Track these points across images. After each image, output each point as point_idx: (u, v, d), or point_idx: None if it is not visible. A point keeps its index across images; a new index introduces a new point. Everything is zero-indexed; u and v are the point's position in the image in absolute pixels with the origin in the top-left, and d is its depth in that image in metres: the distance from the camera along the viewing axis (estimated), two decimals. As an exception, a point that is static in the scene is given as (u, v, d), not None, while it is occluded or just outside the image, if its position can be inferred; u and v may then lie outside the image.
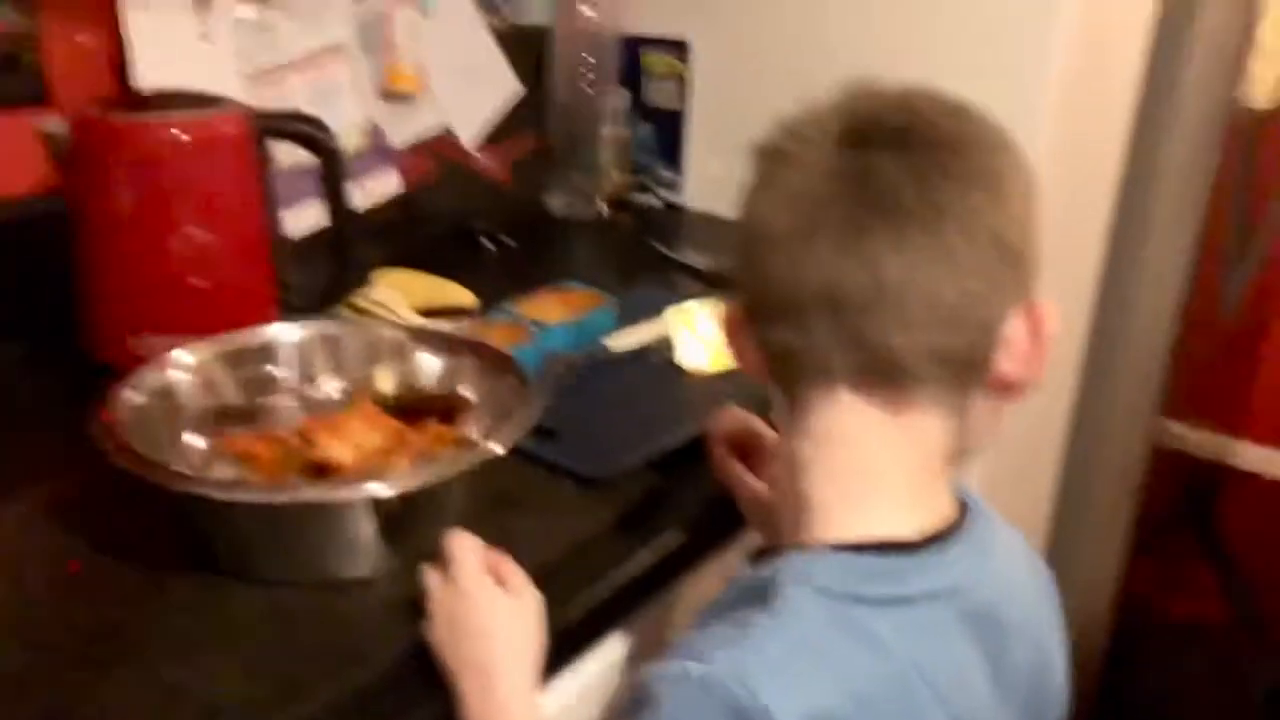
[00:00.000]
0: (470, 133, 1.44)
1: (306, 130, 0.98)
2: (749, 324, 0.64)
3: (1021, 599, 0.64)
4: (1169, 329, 1.62)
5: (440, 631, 0.68)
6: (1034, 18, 1.26)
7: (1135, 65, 1.47)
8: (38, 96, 1.04)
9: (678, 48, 1.52)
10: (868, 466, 0.61)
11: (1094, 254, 1.55)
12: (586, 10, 1.46)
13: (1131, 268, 1.57)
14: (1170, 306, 1.61)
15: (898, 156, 0.57)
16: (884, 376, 0.59)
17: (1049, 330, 0.61)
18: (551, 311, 1.11)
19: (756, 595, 0.59)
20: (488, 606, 0.68)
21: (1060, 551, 1.68)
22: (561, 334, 1.08)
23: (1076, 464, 1.67)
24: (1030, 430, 1.51)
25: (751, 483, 0.84)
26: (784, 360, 0.62)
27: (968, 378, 0.60)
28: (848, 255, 0.57)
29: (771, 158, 0.61)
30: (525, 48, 1.48)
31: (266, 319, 0.98)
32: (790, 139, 0.61)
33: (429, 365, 0.88)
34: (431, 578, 0.71)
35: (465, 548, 0.71)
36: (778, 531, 0.80)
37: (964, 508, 0.64)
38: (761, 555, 0.66)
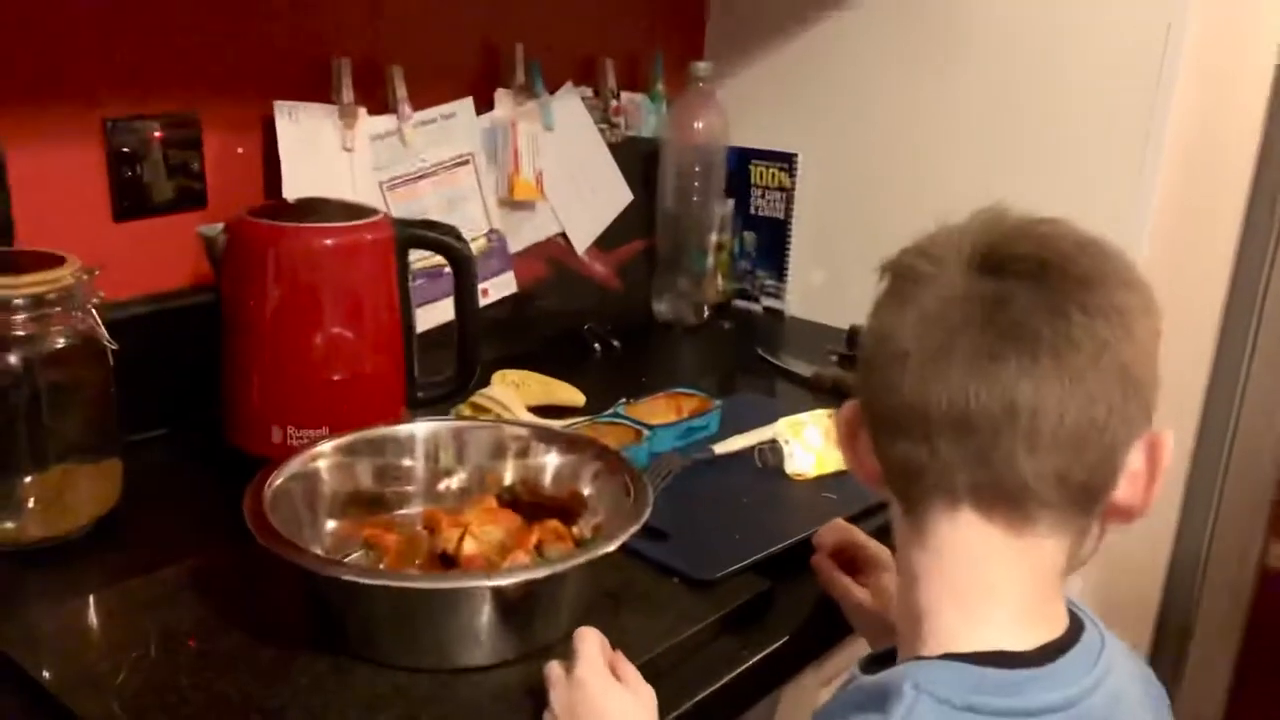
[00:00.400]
0: (583, 239, 1.51)
1: (444, 239, 1.05)
2: (869, 434, 0.66)
3: (1129, 710, 0.65)
4: (1276, 449, 1.60)
5: None
6: (1138, 142, 1.28)
7: (1242, 184, 1.48)
8: (199, 202, 1.14)
9: (785, 160, 1.58)
10: (986, 583, 0.62)
11: (1199, 373, 1.55)
12: (697, 124, 1.53)
13: (1236, 387, 1.56)
14: (1278, 426, 1.59)
15: (1034, 288, 0.59)
16: (1007, 498, 0.60)
17: (1165, 461, 0.62)
18: (660, 414, 1.15)
19: (874, 700, 0.60)
20: (604, 697, 0.71)
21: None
22: (669, 436, 1.12)
23: (1180, 591, 1.64)
24: (1133, 555, 1.49)
25: (857, 593, 0.87)
26: (904, 473, 0.64)
27: (1088, 504, 0.61)
28: (980, 379, 0.58)
29: (904, 276, 0.63)
30: (637, 158, 1.55)
31: (396, 412, 1.04)
32: (924, 259, 0.63)
33: (549, 462, 0.93)
34: (553, 668, 0.74)
35: (589, 641, 0.74)
36: (885, 639, 0.82)
37: (1073, 618, 0.65)
38: (874, 661, 0.68)
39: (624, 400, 1.17)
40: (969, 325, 0.59)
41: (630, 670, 0.74)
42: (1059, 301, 0.59)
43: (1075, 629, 0.64)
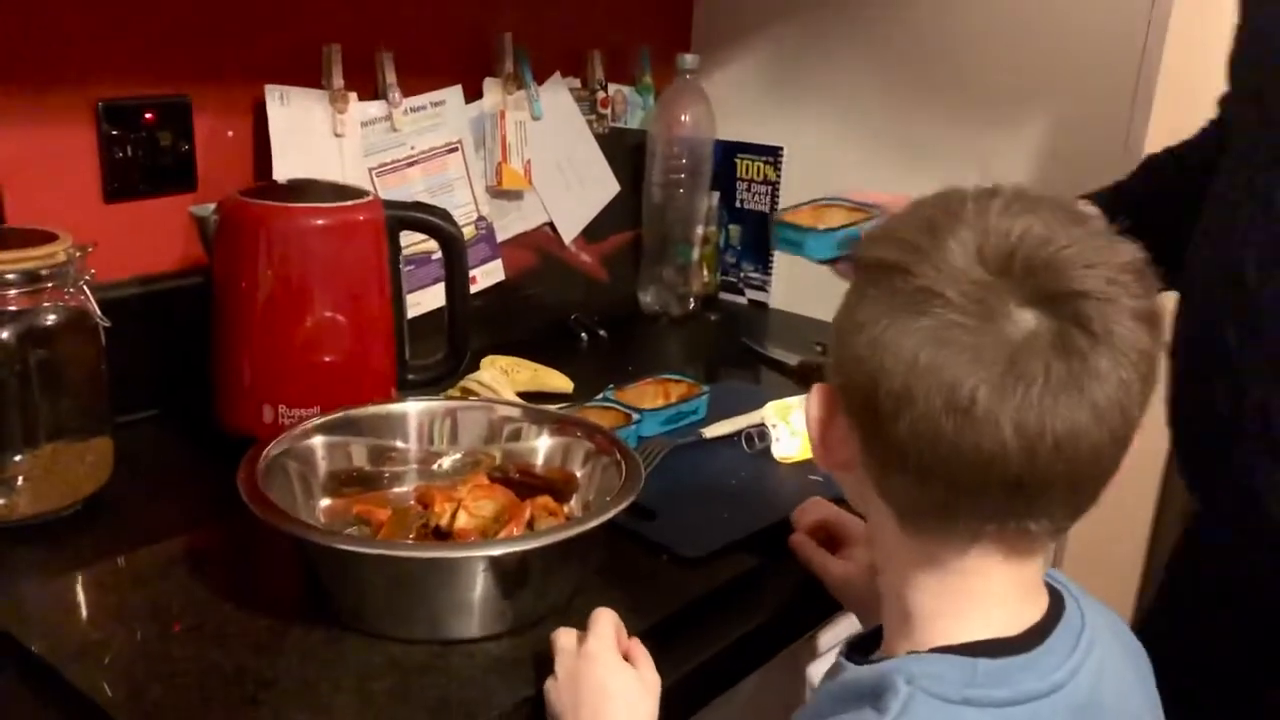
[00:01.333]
0: (570, 229, 1.52)
1: (434, 221, 1.06)
2: (867, 459, 0.62)
3: (1117, 678, 0.65)
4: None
5: (563, 690, 0.72)
6: (1121, 132, 1.30)
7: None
8: (190, 185, 1.15)
9: (771, 153, 1.60)
10: (983, 590, 0.62)
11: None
12: (684, 116, 1.54)
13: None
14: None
15: (1093, 339, 0.56)
16: (1028, 539, 0.61)
17: None
18: (648, 399, 1.17)
19: (867, 696, 0.59)
20: (609, 673, 0.72)
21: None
22: (657, 420, 1.13)
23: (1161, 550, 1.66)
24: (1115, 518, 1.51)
25: (837, 568, 0.88)
26: (917, 508, 0.61)
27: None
28: (1047, 435, 0.55)
29: (915, 295, 0.57)
30: (624, 149, 1.57)
31: (387, 393, 1.05)
32: (953, 280, 0.57)
33: (541, 442, 0.94)
34: (562, 635, 0.75)
35: (605, 619, 0.75)
36: (870, 611, 0.83)
37: (1052, 594, 0.65)
38: (858, 647, 0.68)
39: (612, 386, 1.18)
40: (1041, 377, 0.55)
41: (643, 655, 0.75)
42: (1117, 352, 0.56)
43: (1055, 606, 0.64)
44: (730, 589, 0.89)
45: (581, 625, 0.76)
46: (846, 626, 0.97)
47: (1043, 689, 0.60)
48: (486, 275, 1.42)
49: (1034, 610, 0.64)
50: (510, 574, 0.78)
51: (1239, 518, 0.83)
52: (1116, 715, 0.64)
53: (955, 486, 0.58)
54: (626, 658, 0.75)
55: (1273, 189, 0.79)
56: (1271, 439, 0.78)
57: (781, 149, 1.59)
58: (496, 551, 0.78)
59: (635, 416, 1.11)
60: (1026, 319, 0.56)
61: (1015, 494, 0.58)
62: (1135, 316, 0.57)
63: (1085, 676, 0.62)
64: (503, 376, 1.21)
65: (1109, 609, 0.69)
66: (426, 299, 1.30)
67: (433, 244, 1.22)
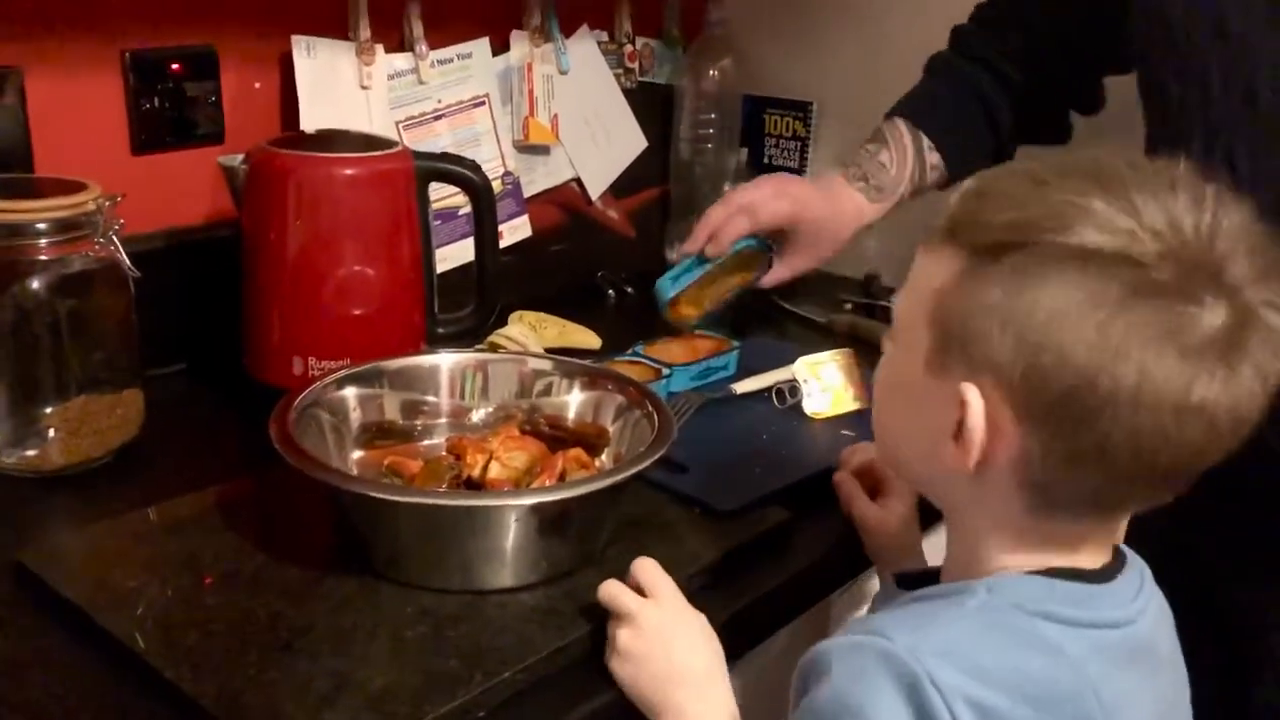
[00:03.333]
0: (597, 185, 1.51)
1: (463, 172, 1.05)
2: (1041, 458, 0.58)
3: (1167, 633, 0.66)
4: None
5: (646, 636, 0.71)
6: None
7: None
8: (217, 137, 1.14)
9: (800, 109, 1.58)
10: (1068, 546, 0.62)
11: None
12: (712, 71, 1.52)
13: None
14: None
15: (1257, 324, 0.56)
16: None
17: None
18: (678, 355, 1.16)
19: (946, 596, 0.61)
20: (691, 615, 0.73)
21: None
22: (688, 376, 1.12)
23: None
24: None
25: (874, 514, 0.87)
26: (1069, 496, 0.59)
27: None
28: (1240, 425, 0.57)
29: (1123, 281, 0.54)
30: (652, 105, 1.55)
31: (416, 346, 1.04)
32: (1156, 262, 0.54)
33: (573, 395, 0.93)
34: (618, 591, 0.74)
35: (655, 568, 0.75)
36: (894, 561, 0.83)
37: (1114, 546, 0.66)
38: (906, 581, 0.69)
39: (641, 342, 1.17)
40: (1250, 368, 0.55)
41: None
42: (1276, 334, 0.56)
43: (1118, 553, 0.65)
44: (763, 542, 0.89)
45: (615, 577, 0.76)
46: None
47: (1115, 618, 0.60)
48: (513, 232, 1.40)
49: (1103, 555, 0.64)
50: (543, 524, 0.78)
51: None
52: (1170, 671, 0.65)
53: (1145, 481, 0.58)
54: None
55: None
56: None
57: (811, 104, 1.57)
58: (530, 501, 0.77)
59: (665, 371, 1.10)
60: (1221, 309, 0.54)
61: (1185, 478, 0.58)
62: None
63: (1147, 621, 0.62)
64: (530, 332, 1.20)
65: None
66: (452, 255, 1.29)
67: (458, 199, 1.22)
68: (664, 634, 0.71)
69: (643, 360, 1.12)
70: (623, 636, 0.72)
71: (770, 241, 1.21)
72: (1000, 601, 0.59)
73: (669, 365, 1.11)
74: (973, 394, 0.58)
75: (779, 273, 1.23)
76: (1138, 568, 0.65)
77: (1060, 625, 0.58)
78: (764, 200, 1.18)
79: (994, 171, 0.62)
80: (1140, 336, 0.53)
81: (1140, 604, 0.63)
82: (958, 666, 0.55)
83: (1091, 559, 0.63)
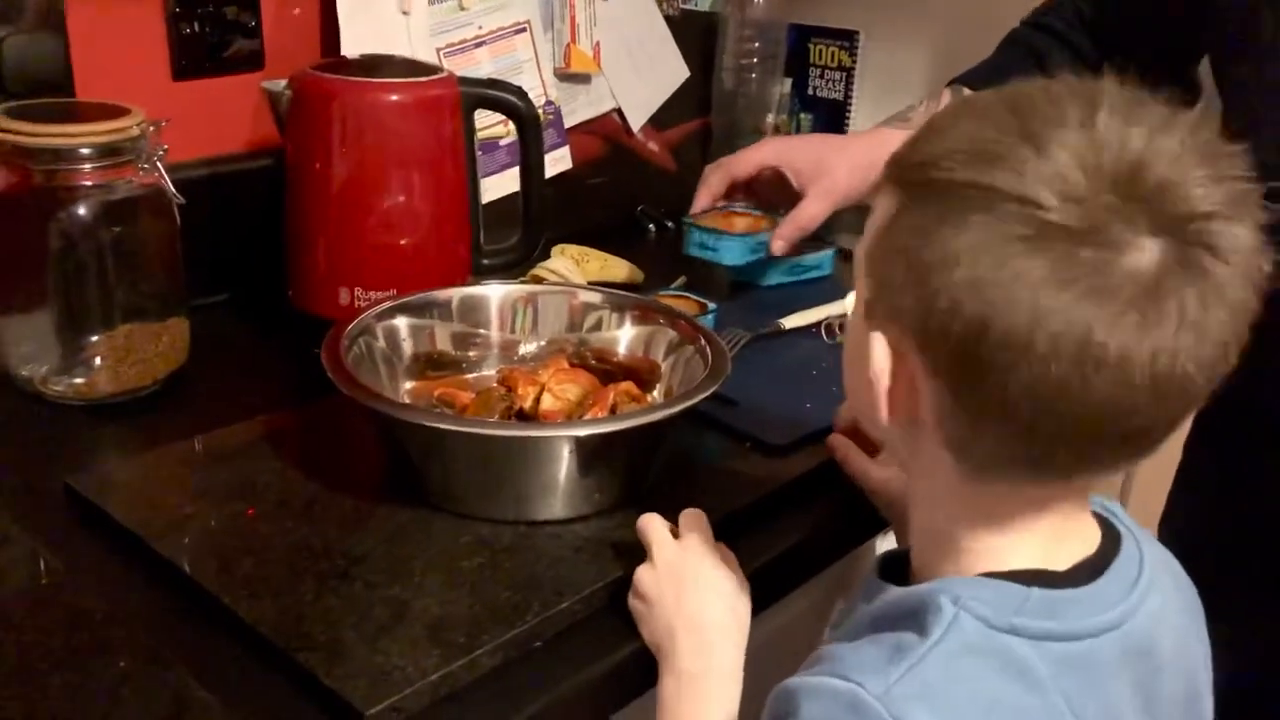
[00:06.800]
0: (639, 116, 1.48)
1: (509, 99, 1.03)
2: (952, 413, 0.55)
3: (1172, 627, 0.61)
4: None
5: (662, 579, 0.70)
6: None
7: None
8: (257, 63, 1.12)
9: (846, 38, 1.54)
10: (1033, 525, 0.58)
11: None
12: None
13: None
14: None
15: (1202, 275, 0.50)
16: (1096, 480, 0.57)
17: None
18: (725, 226, 1.17)
19: (908, 617, 0.56)
20: (714, 567, 0.70)
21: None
22: (739, 249, 1.16)
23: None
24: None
25: (876, 473, 0.83)
26: (992, 457, 0.55)
27: None
28: (1168, 379, 0.51)
29: (1025, 224, 0.50)
30: (695, 34, 1.51)
31: (463, 277, 1.03)
32: (1057, 203, 0.49)
33: (623, 332, 0.92)
34: (657, 527, 0.72)
35: (699, 518, 0.73)
36: (904, 522, 0.81)
37: (1108, 529, 0.61)
38: (891, 563, 0.65)
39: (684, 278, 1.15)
40: (1176, 317, 0.50)
41: (732, 559, 0.73)
42: (1239, 274, 0.51)
43: (1111, 542, 0.60)
44: (814, 477, 0.88)
45: (666, 511, 0.75)
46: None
47: (1095, 626, 0.56)
48: (554, 163, 1.38)
49: (1083, 543, 0.60)
50: (596, 456, 0.77)
51: None
52: (1175, 668, 0.61)
53: (1061, 439, 0.52)
54: None
55: None
56: None
57: (858, 33, 1.53)
58: (584, 432, 0.77)
59: (711, 306, 1.08)
60: (1153, 248, 0.49)
61: (1127, 443, 0.54)
62: (1256, 232, 0.51)
63: (1142, 620, 0.58)
64: (574, 265, 1.18)
65: (1161, 546, 0.64)
66: (494, 186, 1.27)
67: (498, 129, 1.20)
68: (677, 578, 0.69)
69: (689, 294, 1.11)
70: (640, 572, 0.71)
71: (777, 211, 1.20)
72: (967, 621, 0.54)
73: (723, 233, 1.16)
74: (879, 342, 0.56)
75: (808, 209, 1.16)
76: (1137, 556, 0.60)
77: (1031, 641, 0.54)
78: (740, 153, 1.19)
79: (950, 105, 0.58)
80: (1034, 280, 0.49)
81: (1132, 602, 0.58)
82: (931, 708, 0.52)
83: (1064, 552, 0.58)
